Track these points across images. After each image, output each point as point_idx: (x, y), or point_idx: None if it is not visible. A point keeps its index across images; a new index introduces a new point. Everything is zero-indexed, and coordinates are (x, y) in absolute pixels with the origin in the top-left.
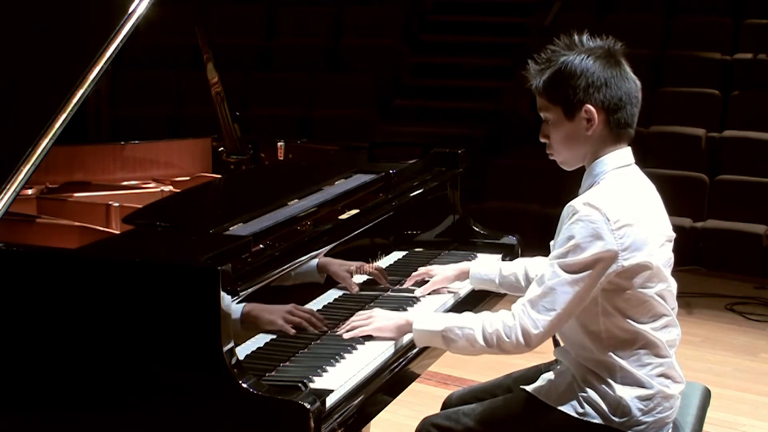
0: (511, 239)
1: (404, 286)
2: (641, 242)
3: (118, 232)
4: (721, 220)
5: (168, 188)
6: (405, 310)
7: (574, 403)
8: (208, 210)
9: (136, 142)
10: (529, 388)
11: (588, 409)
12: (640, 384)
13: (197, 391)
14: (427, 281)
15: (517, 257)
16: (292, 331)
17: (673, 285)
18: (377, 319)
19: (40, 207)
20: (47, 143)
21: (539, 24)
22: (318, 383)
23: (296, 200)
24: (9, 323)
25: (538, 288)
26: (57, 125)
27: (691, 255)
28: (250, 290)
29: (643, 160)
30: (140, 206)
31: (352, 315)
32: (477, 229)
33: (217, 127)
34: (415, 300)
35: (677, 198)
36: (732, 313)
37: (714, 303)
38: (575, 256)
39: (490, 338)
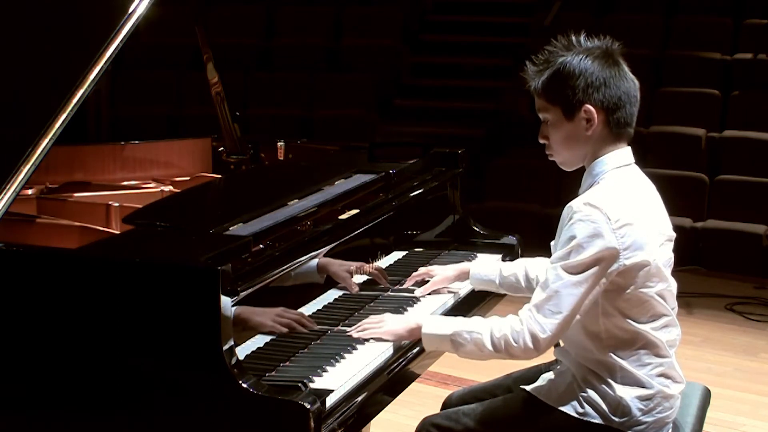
0: (511, 239)
1: (404, 286)
2: (642, 241)
3: (118, 232)
4: (721, 220)
5: (168, 188)
6: (405, 310)
7: (574, 403)
8: (208, 210)
9: (136, 142)
10: (529, 388)
11: (588, 409)
12: (640, 384)
13: (197, 391)
14: (427, 281)
15: (517, 257)
16: (284, 330)
17: (673, 285)
18: (388, 322)
19: (40, 207)
20: (47, 143)
21: (539, 24)
22: (318, 383)
23: (296, 200)
24: (9, 323)
25: (543, 292)
26: (57, 125)
27: (691, 255)
28: (250, 290)
29: (643, 160)
30: (140, 206)
31: (352, 315)
32: (477, 229)
33: (217, 127)
34: (415, 300)
35: (677, 198)
36: (732, 313)
37: (714, 303)
38: (577, 256)
39: (498, 343)
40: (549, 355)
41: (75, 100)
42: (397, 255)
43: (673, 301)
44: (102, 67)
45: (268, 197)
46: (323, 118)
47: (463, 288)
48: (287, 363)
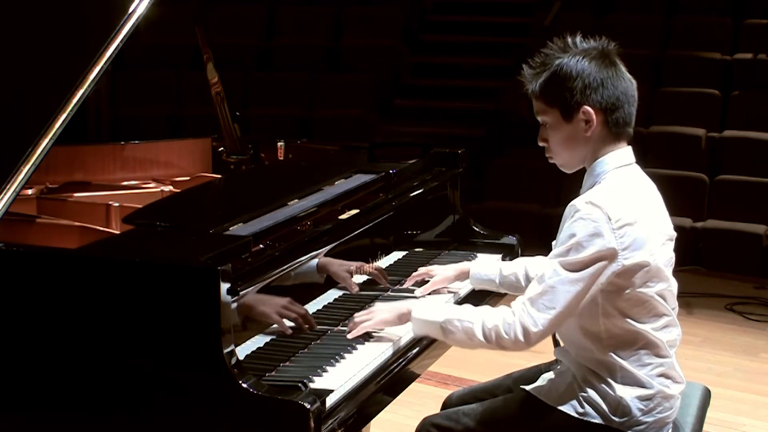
0: (511, 239)
1: (404, 286)
2: (642, 241)
3: (118, 232)
4: (721, 220)
5: (168, 188)
6: None
7: (574, 403)
8: (208, 210)
9: (136, 142)
10: (529, 388)
11: (588, 409)
12: (640, 384)
13: (197, 391)
14: (427, 281)
15: (517, 257)
16: (285, 326)
17: (673, 285)
18: (378, 312)
19: (40, 207)
20: (47, 143)
21: (539, 24)
22: (318, 383)
23: (296, 200)
24: (9, 323)
25: (539, 286)
26: (57, 125)
27: (691, 255)
28: (250, 290)
29: (643, 160)
30: (140, 206)
31: (352, 315)
32: (477, 229)
33: (217, 127)
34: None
35: (677, 198)
36: (732, 313)
37: (714, 303)
38: (576, 254)
39: (488, 334)
40: (549, 355)
41: (75, 100)
42: (397, 255)
43: (673, 301)
44: (102, 67)
45: (268, 197)
46: (323, 118)
47: (463, 288)
48: (287, 363)
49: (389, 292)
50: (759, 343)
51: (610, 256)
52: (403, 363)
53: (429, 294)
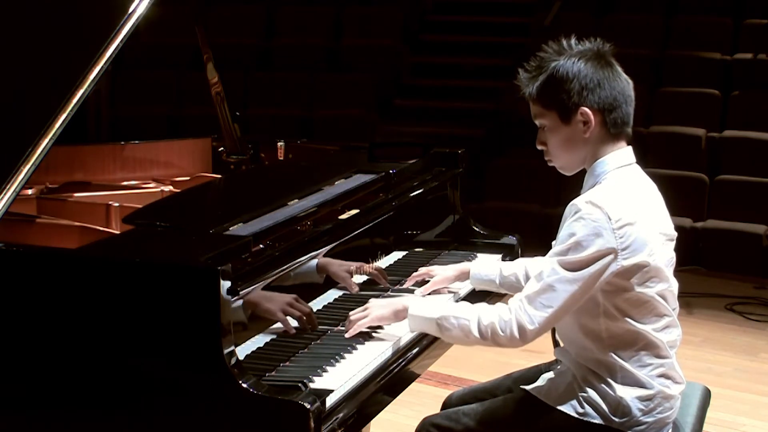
0: (511, 239)
1: (404, 286)
2: (642, 241)
3: (118, 232)
4: (721, 220)
5: (168, 188)
6: None
7: (574, 403)
8: (208, 210)
9: (136, 142)
10: (529, 388)
11: (588, 409)
12: (640, 384)
13: (197, 391)
14: (427, 281)
15: (517, 257)
16: (289, 324)
17: (674, 285)
18: (374, 308)
19: (40, 207)
20: (47, 143)
21: (539, 24)
22: (318, 383)
23: (296, 200)
24: (9, 323)
25: (537, 284)
26: (57, 125)
27: (691, 255)
28: (250, 290)
29: (643, 160)
30: (140, 206)
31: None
32: (477, 229)
33: (217, 127)
34: None
35: (677, 198)
36: (732, 313)
37: (714, 303)
38: (576, 254)
39: (484, 330)
40: (549, 355)
41: (75, 100)
42: (397, 255)
43: (674, 301)
44: (102, 67)
45: (268, 197)
46: (323, 118)
47: (464, 288)
48: (287, 363)
49: (389, 292)
50: (759, 343)
51: (609, 256)
52: (403, 363)
53: (429, 294)
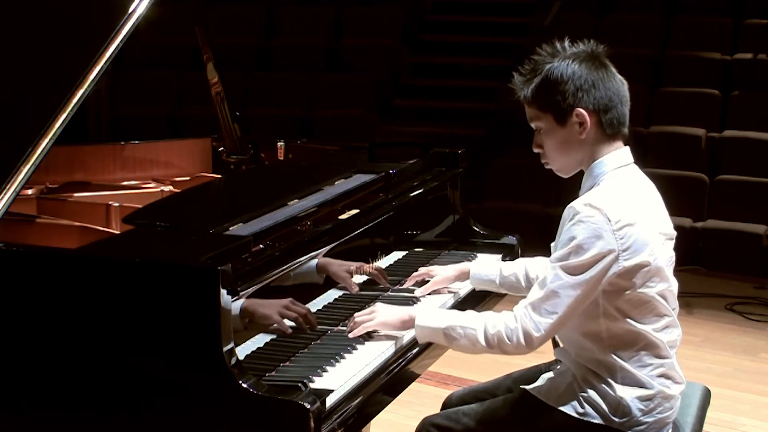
0: (511, 239)
1: (404, 286)
2: (642, 242)
3: (118, 232)
4: (721, 220)
5: (168, 188)
6: None
7: (575, 403)
8: (208, 210)
9: (136, 142)
10: (529, 388)
11: (588, 409)
12: (640, 384)
13: (197, 391)
14: (427, 281)
15: (518, 257)
16: (287, 326)
17: (674, 285)
18: (380, 313)
19: (40, 207)
20: (47, 143)
21: (539, 24)
22: (318, 383)
23: (296, 200)
24: (9, 323)
25: (540, 291)
26: (57, 125)
27: (691, 255)
28: (250, 290)
29: (643, 160)
30: (140, 206)
31: (352, 315)
32: (477, 229)
33: (217, 127)
34: (415, 300)
35: (677, 198)
36: (732, 313)
37: (714, 303)
38: (577, 257)
39: (491, 339)
40: (549, 355)
41: (75, 100)
42: (397, 255)
43: (674, 301)
44: (102, 67)
45: (268, 197)
46: (323, 118)
47: (464, 288)
48: (287, 363)
49: (389, 292)
50: (759, 343)
51: (611, 258)
52: (403, 363)
53: (429, 294)
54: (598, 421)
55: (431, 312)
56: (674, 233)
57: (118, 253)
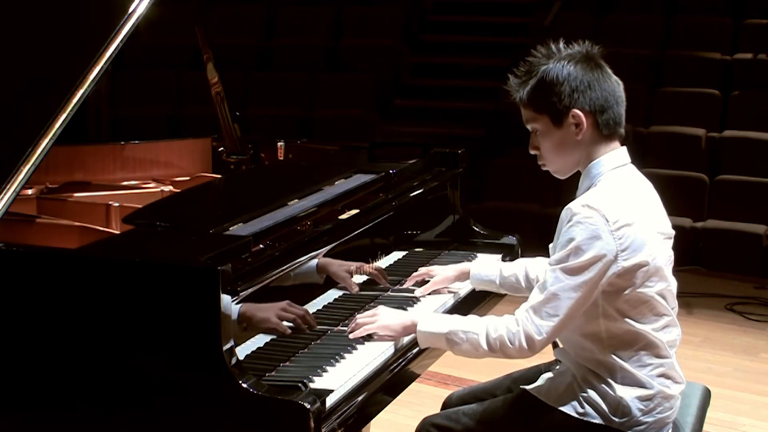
0: (511, 239)
1: (404, 286)
2: (641, 242)
3: (118, 232)
4: (721, 220)
5: (168, 188)
6: (405, 310)
7: (574, 403)
8: (208, 210)
9: (136, 142)
10: (529, 388)
11: (588, 409)
12: (640, 384)
13: (197, 391)
14: (427, 281)
15: (517, 257)
16: (286, 328)
17: (673, 284)
18: (382, 316)
19: (40, 207)
20: (47, 143)
21: (539, 24)
22: (318, 383)
23: (296, 200)
24: (9, 323)
25: (541, 294)
26: (57, 125)
27: (691, 255)
28: (250, 290)
29: (643, 160)
30: (140, 206)
31: (352, 315)
32: (477, 229)
33: (217, 127)
34: (415, 300)
35: (677, 198)
36: (732, 313)
37: (714, 303)
38: (576, 258)
39: (493, 343)
40: (549, 355)
41: (75, 100)
42: (397, 255)
43: (673, 300)
44: (102, 67)
45: (268, 197)
46: (323, 118)
47: (464, 288)
48: (287, 363)
49: (389, 292)
50: (759, 343)
51: (610, 258)
52: (403, 363)
53: (429, 294)
54: (598, 421)
55: (433, 317)
56: (672, 232)
57: (118, 253)
